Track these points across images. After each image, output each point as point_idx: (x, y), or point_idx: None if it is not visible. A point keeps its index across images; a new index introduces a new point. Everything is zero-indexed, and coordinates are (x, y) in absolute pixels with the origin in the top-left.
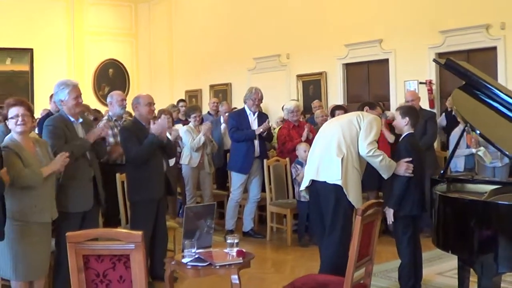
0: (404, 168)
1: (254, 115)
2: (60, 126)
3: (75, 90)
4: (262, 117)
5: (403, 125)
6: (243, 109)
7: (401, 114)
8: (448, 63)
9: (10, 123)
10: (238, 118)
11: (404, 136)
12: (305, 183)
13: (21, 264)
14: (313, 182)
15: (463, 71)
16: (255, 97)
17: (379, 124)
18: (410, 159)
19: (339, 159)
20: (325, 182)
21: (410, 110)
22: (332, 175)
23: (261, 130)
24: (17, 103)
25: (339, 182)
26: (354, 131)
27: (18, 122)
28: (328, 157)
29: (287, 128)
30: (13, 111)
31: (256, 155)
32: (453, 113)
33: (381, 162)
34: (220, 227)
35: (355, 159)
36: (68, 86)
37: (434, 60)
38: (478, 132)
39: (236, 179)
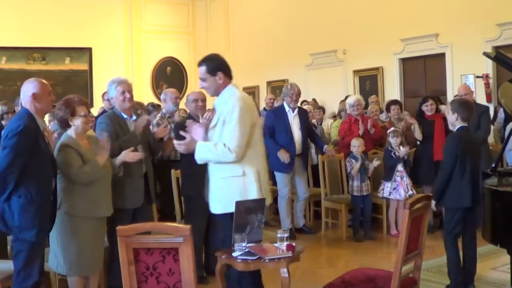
0: None
1: (293, 112)
2: (111, 124)
3: (122, 86)
4: (302, 113)
5: (454, 120)
6: (282, 106)
7: (451, 110)
8: (497, 56)
9: (79, 121)
10: (276, 116)
11: (456, 129)
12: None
13: (78, 260)
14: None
15: None
16: (292, 92)
17: None
18: None
19: None
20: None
21: (461, 105)
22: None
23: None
24: (84, 103)
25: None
26: None
27: (89, 122)
28: None
29: (348, 122)
30: (83, 110)
31: (297, 152)
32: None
33: None
34: (276, 222)
35: None
36: (114, 82)
37: (484, 53)
38: None
39: (280, 179)
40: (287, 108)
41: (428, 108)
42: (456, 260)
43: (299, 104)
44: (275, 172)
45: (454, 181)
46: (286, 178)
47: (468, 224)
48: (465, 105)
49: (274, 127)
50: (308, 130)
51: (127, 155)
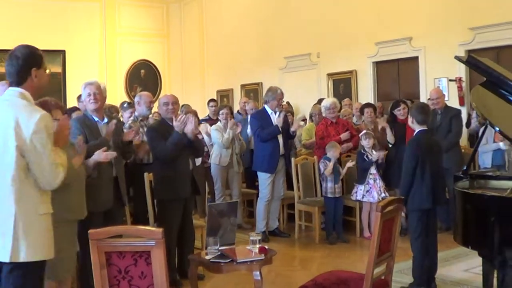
0: None
1: (275, 114)
2: (81, 127)
3: (89, 87)
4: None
5: (410, 123)
6: (264, 109)
7: (409, 114)
8: (469, 60)
9: (54, 124)
10: (261, 118)
11: (415, 134)
12: None
13: (52, 264)
14: None
15: (483, 68)
16: (280, 97)
17: None
18: None
19: None
20: None
21: (416, 109)
22: None
23: (281, 118)
24: (60, 107)
25: None
26: None
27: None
28: None
29: (324, 125)
30: (58, 114)
31: (281, 153)
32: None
33: None
34: (249, 225)
35: None
36: (84, 84)
37: (456, 57)
38: (497, 129)
39: (263, 179)
40: (269, 111)
41: (400, 113)
42: (421, 257)
43: None
44: (258, 173)
45: (415, 184)
46: (269, 179)
47: (430, 226)
48: (420, 108)
49: (263, 128)
50: (288, 131)
51: (100, 155)
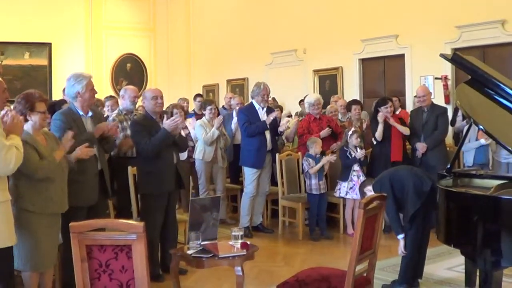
0: None
1: (263, 110)
2: (67, 121)
3: (91, 83)
4: (270, 111)
5: None
6: (252, 104)
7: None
8: (454, 58)
9: (37, 117)
10: (249, 113)
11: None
12: None
13: (33, 255)
14: None
15: (469, 66)
16: (264, 92)
17: None
18: None
19: None
20: None
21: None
22: None
23: (271, 118)
24: (44, 100)
25: None
26: None
27: (47, 120)
28: None
29: (307, 121)
30: (42, 106)
31: (268, 148)
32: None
33: None
34: (233, 220)
35: None
36: (85, 78)
37: (441, 55)
38: (481, 127)
39: (249, 174)
40: (257, 106)
41: (387, 111)
42: (412, 256)
43: None
44: (244, 168)
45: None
46: (255, 174)
47: (426, 223)
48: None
49: (251, 122)
50: (275, 127)
51: (82, 151)
